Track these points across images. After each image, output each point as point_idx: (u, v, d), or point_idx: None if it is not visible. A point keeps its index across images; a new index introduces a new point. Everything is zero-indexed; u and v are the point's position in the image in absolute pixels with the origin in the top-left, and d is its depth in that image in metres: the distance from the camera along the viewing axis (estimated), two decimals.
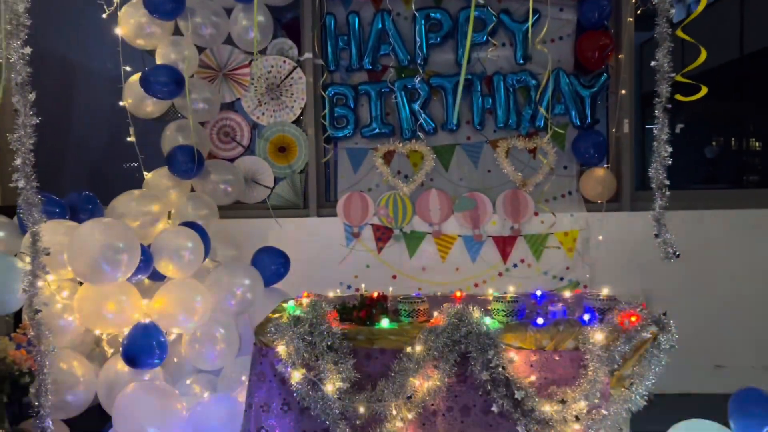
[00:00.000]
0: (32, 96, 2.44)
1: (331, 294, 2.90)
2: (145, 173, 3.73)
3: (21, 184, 2.43)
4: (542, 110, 3.76)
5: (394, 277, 3.91)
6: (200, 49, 3.84)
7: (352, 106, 3.89)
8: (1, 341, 2.55)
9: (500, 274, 3.90)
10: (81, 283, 2.98)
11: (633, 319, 2.19)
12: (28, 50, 2.43)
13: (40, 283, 2.51)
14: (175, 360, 3.18)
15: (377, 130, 3.89)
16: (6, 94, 2.51)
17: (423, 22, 3.81)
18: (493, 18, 3.81)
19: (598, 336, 2.17)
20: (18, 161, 2.41)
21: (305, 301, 2.65)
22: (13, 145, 2.39)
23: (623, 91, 3.85)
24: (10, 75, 2.40)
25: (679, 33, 2.68)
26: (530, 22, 3.49)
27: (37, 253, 2.46)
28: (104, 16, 3.64)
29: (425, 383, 2.16)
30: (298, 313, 2.32)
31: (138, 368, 2.85)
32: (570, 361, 2.20)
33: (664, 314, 2.23)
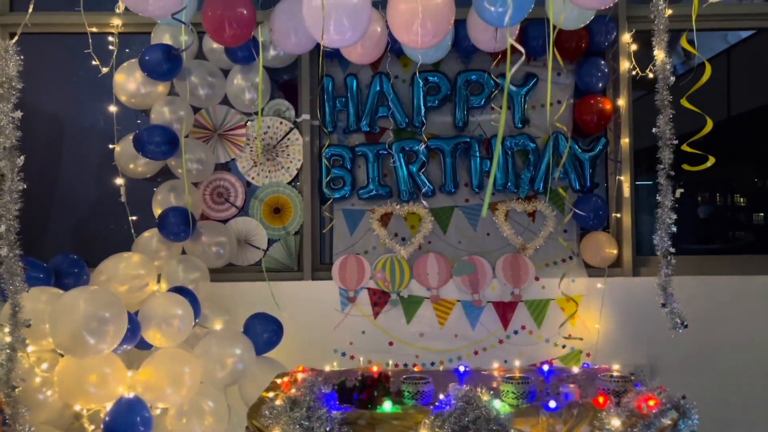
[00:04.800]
0: (20, 160, 2.35)
1: (327, 368, 2.75)
2: (134, 235, 3.62)
3: (4, 252, 2.31)
4: (559, 171, 3.74)
5: (391, 343, 3.77)
6: (196, 109, 3.80)
7: (349, 167, 3.83)
8: None
9: (501, 342, 3.77)
10: (62, 355, 2.82)
11: (651, 402, 2.07)
12: (18, 114, 2.35)
13: (18, 356, 2.37)
14: None
15: (374, 192, 3.82)
16: None
17: (421, 85, 3.80)
18: (492, 83, 3.81)
19: (614, 421, 2.04)
20: (2, 228, 2.30)
21: (300, 376, 2.51)
22: None
23: (622, 156, 3.84)
24: None
25: (684, 102, 2.67)
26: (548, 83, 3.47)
27: (17, 325, 2.32)
28: (100, 75, 3.61)
29: None
30: (292, 392, 2.18)
31: None
32: None
33: (684, 398, 2.12)
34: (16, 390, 2.32)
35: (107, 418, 2.67)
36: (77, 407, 2.89)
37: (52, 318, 2.63)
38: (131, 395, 2.72)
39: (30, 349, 2.75)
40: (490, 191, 2.04)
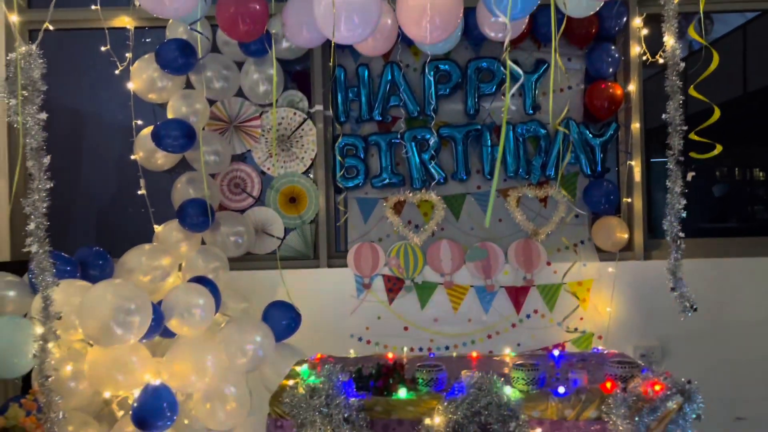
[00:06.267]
0: (47, 161, 2.44)
1: (344, 354, 2.85)
2: (155, 226, 3.72)
3: (34, 248, 2.42)
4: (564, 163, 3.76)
5: (406, 328, 3.87)
6: (211, 102, 3.87)
7: (362, 156, 3.89)
8: (12, 409, 2.51)
9: (513, 325, 3.85)
10: (91, 344, 2.94)
11: (657, 387, 2.14)
12: (43, 116, 2.44)
13: (50, 347, 2.48)
14: (186, 421, 3.12)
15: (387, 180, 3.89)
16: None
17: (432, 73, 3.84)
18: (502, 69, 3.83)
19: (621, 406, 2.12)
20: (32, 226, 2.40)
21: (318, 363, 2.61)
22: (27, 209, 2.39)
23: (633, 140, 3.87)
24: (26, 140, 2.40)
25: (692, 91, 2.69)
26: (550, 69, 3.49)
27: (48, 318, 2.44)
28: (117, 72, 3.69)
29: None
30: (312, 380, 2.28)
31: (149, 431, 2.80)
32: None
33: (689, 382, 2.18)
34: (49, 379, 2.44)
35: (136, 404, 2.79)
36: (107, 394, 3.02)
37: (81, 311, 2.75)
38: (157, 382, 2.84)
39: (60, 335, 2.86)
40: (491, 208, 2.09)
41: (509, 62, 1.97)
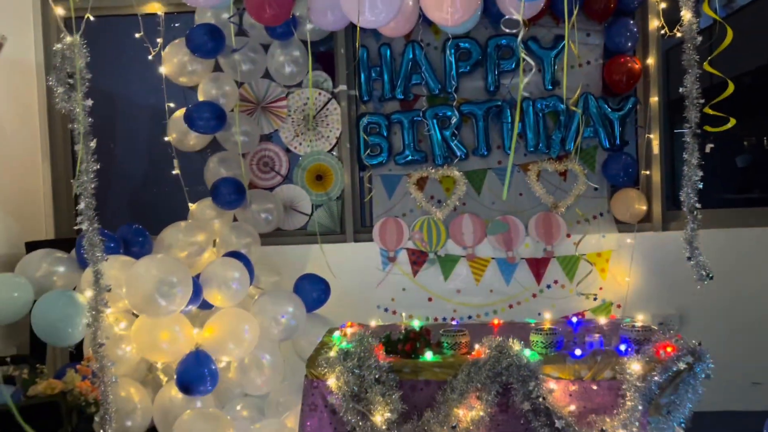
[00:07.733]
0: (93, 144, 2.62)
1: (372, 323, 3.02)
2: (189, 204, 3.90)
3: (84, 226, 2.60)
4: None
5: (430, 299, 4.02)
6: (239, 84, 4.01)
7: (385, 134, 4.02)
8: (69, 374, 2.72)
9: (534, 296, 3.98)
10: (136, 315, 3.15)
11: (669, 349, 2.27)
12: (89, 102, 2.61)
13: (102, 318, 2.68)
14: (225, 387, 3.33)
15: (410, 157, 4.01)
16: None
17: (453, 51, 3.93)
18: (522, 46, 3.89)
19: (635, 366, 2.25)
20: (81, 205, 2.58)
21: (349, 331, 2.78)
22: (77, 189, 2.56)
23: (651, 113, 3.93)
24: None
25: (707, 66, 2.75)
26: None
27: (99, 290, 2.63)
28: (150, 57, 3.84)
29: (469, 413, 2.26)
30: (344, 345, 2.45)
31: (192, 396, 3.01)
32: (608, 391, 2.29)
33: (699, 344, 2.30)
34: (102, 346, 2.64)
35: (179, 371, 2.99)
36: (152, 361, 3.23)
37: (128, 283, 2.95)
38: (199, 350, 3.04)
39: (109, 310, 3.08)
40: (508, 180, 2.20)
41: (522, 54, 2.07)
